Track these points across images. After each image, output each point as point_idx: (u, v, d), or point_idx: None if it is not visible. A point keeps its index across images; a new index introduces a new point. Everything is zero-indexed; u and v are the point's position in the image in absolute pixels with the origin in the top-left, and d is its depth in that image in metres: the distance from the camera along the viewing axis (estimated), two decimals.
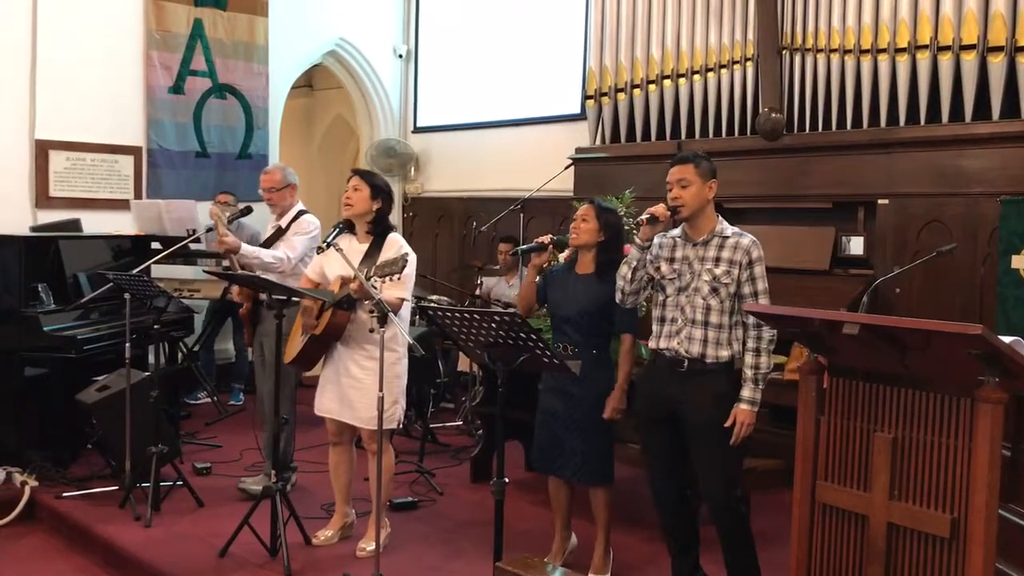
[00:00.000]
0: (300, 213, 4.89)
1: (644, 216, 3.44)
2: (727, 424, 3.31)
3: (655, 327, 3.53)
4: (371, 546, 4.04)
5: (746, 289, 3.37)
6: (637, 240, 3.48)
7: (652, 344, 3.53)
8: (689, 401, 3.37)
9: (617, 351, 3.84)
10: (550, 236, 3.91)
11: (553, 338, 3.92)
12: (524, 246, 3.98)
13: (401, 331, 3.81)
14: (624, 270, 3.53)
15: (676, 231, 3.53)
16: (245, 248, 4.59)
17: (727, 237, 3.42)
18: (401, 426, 4.23)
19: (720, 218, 3.49)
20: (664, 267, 3.50)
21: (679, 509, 3.58)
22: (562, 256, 3.99)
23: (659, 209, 3.41)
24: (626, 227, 5.24)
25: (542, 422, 3.89)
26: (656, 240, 3.54)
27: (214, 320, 7.20)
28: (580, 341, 3.77)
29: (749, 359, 3.35)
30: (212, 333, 7.26)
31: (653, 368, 3.58)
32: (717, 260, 3.39)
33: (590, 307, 3.76)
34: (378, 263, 3.79)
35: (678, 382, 3.41)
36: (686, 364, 3.39)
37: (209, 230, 5.58)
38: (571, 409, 3.77)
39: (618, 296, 3.59)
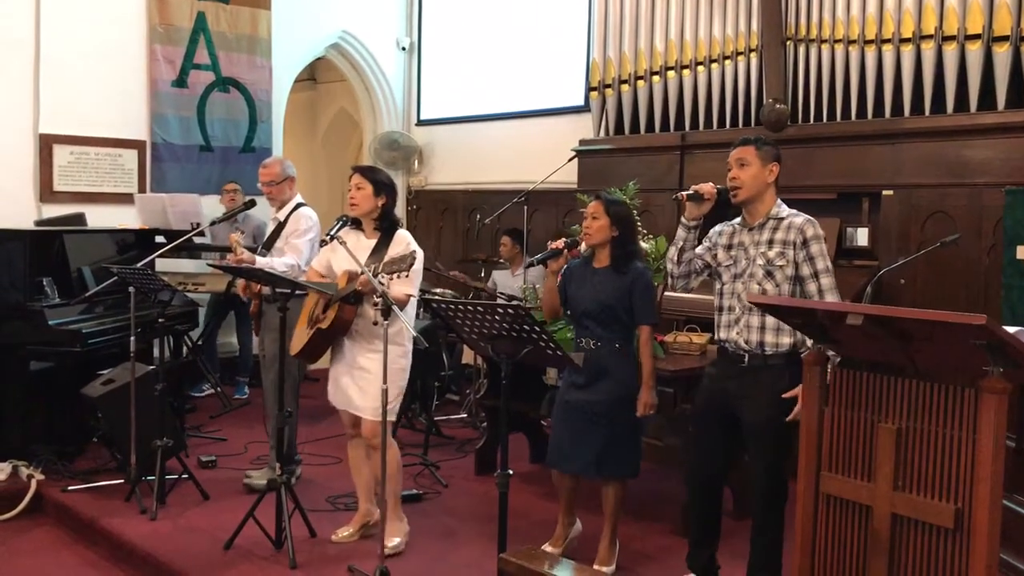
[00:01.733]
0: (297, 206, 4.89)
1: (685, 193, 3.38)
2: (789, 418, 3.20)
3: (716, 316, 3.47)
4: (393, 542, 4.05)
5: (805, 270, 3.27)
6: (683, 220, 3.43)
7: (715, 334, 3.49)
8: (748, 399, 3.30)
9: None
10: (563, 240, 3.89)
11: (576, 334, 3.91)
12: (539, 256, 3.95)
13: (406, 324, 3.80)
14: (671, 252, 3.49)
15: (737, 219, 3.47)
16: (260, 261, 4.61)
17: (782, 218, 3.33)
18: (404, 419, 4.22)
19: (780, 202, 3.39)
20: (721, 254, 3.44)
21: (712, 502, 3.55)
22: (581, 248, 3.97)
23: (705, 187, 3.36)
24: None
25: (563, 418, 3.86)
26: (717, 228, 3.50)
27: (216, 314, 7.21)
28: (602, 335, 3.76)
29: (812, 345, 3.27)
30: (214, 327, 7.27)
31: (718, 362, 3.51)
32: (771, 243, 3.30)
33: (609, 300, 3.74)
34: (386, 260, 3.78)
35: (738, 378, 3.34)
36: (747, 359, 3.32)
37: (213, 223, 5.60)
38: (593, 404, 3.75)
39: (669, 280, 3.56)
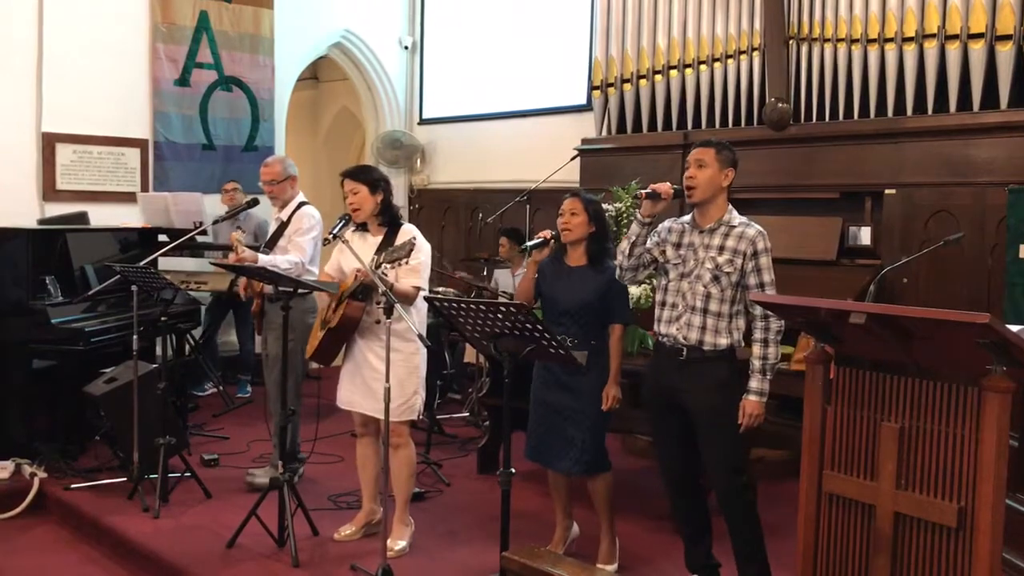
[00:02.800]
0: (300, 205, 4.90)
1: (644, 191, 3.44)
2: (740, 420, 3.31)
3: (657, 311, 3.54)
4: (399, 545, 4.05)
5: (751, 280, 3.36)
6: (638, 215, 3.47)
7: (655, 328, 3.54)
8: (690, 390, 3.37)
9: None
10: (551, 232, 3.89)
11: None
12: (529, 243, 3.96)
13: (411, 322, 3.79)
14: (623, 244, 3.54)
15: (687, 217, 3.52)
16: (262, 259, 4.61)
17: (734, 226, 3.40)
18: (421, 417, 4.22)
19: (731, 208, 3.46)
20: (670, 251, 3.49)
21: (691, 498, 3.58)
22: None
23: (662, 186, 3.41)
24: (632, 217, 5.25)
25: (539, 414, 3.87)
26: (666, 224, 3.54)
27: (216, 314, 7.21)
28: (579, 333, 3.75)
29: (757, 350, 3.33)
30: (215, 326, 7.26)
31: (656, 358, 3.59)
32: (721, 248, 3.38)
33: (590, 298, 3.75)
34: (387, 250, 3.78)
35: (678, 371, 3.40)
36: (685, 352, 3.39)
37: (215, 222, 5.60)
38: (570, 401, 3.76)
39: (617, 272, 3.60)
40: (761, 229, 3.41)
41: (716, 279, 3.36)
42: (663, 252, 3.51)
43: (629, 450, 5.73)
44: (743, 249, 3.35)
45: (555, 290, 3.84)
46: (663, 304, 3.50)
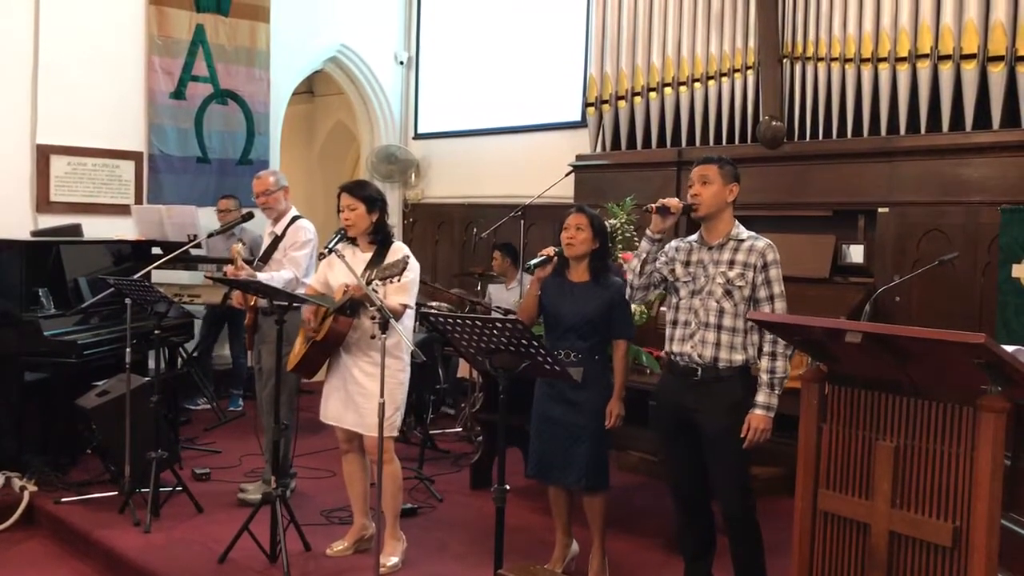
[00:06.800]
0: (293, 219, 4.90)
1: (654, 205, 3.42)
2: (743, 433, 3.28)
3: (668, 330, 3.52)
4: (391, 561, 4.03)
5: (762, 292, 3.35)
6: (648, 232, 3.46)
7: (666, 347, 3.53)
8: (704, 410, 3.34)
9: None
10: (553, 249, 3.88)
11: (551, 345, 3.90)
12: (533, 261, 3.92)
13: (404, 338, 3.79)
14: (634, 263, 3.53)
15: (694, 236, 3.53)
16: (260, 277, 4.60)
17: (742, 240, 3.41)
18: (399, 433, 4.21)
19: (737, 223, 3.47)
20: (679, 270, 3.49)
21: (698, 517, 3.55)
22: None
23: (672, 201, 3.41)
24: (627, 234, 5.27)
25: (541, 430, 3.86)
26: (673, 243, 3.55)
27: (212, 327, 7.19)
28: (583, 348, 3.76)
29: (765, 363, 3.30)
30: (211, 340, 7.24)
31: (668, 377, 3.55)
32: (731, 263, 3.38)
33: (593, 314, 3.75)
34: (380, 267, 3.79)
35: (692, 391, 3.39)
36: (700, 372, 3.37)
37: (210, 235, 5.60)
38: (574, 416, 3.75)
39: (627, 291, 3.59)
40: (770, 242, 3.41)
41: (728, 294, 3.36)
42: (672, 271, 3.51)
43: (620, 466, 5.72)
44: (753, 262, 3.35)
45: (558, 306, 3.83)
46: (675, 323, 3.49)
